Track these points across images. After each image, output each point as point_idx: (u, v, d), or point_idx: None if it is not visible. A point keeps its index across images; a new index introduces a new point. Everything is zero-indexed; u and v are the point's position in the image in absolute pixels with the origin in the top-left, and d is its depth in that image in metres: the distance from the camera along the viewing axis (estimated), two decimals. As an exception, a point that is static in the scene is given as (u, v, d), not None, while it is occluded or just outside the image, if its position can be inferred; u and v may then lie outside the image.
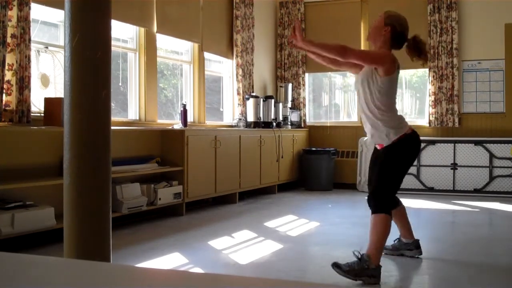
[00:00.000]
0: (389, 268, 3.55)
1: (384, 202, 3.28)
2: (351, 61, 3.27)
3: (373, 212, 3.27)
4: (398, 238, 3.77)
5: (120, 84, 5.70)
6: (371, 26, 3.43)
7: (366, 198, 3.41)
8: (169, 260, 3.67)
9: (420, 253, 3.69)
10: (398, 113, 3.41)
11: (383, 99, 3.26)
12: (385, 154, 3.33)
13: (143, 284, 0.72)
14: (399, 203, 3.69)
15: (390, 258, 3.68)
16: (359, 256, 3.17)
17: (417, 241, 3.71)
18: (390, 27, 3.32)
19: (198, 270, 3.44)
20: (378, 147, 3.41)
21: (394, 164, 3.33)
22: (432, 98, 7.60)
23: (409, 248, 3.71)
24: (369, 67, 3.28)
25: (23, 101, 4.18)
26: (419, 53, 3.41)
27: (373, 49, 3.50)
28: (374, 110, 3.29)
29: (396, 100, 3.43)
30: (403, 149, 3.31)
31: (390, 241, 3.81)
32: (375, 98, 3.26)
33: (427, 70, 7.71)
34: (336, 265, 3.20)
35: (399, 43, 3.37)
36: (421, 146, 3.48)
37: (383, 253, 3.73)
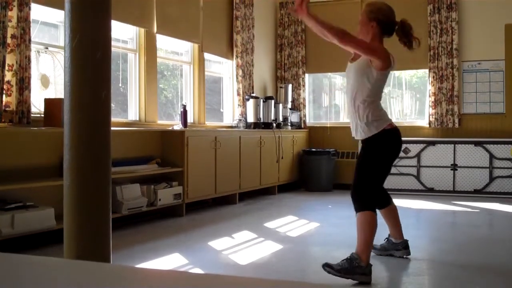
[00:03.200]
0: (388, 268, 3.55)
1: (367, 199, 3.26)
2: (348, 47, 3.23)
3: (357, 211, 3.27)
4: (387, 238, 3.78)
5: (120, 84, 5.70)
6: (358, 23, 3.41)
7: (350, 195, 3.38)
8: (169, 261, 3.67)
9: (408, 253, 3.68)
10: (383, 109, 3.40)
11: (371, 92, 3.27)
12: (364, 149, 3.36)
13: (143, 285, 0.72)
14: (390, 202, 3.70)
15: (389, 259, 3.68)
16: (349, 256, 3.18)
17: (406, 241, 3.70)
18: (375, 21, 3.31)
19: (198, 270, 3.44)
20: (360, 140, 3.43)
21: (374, 158, 3.31)
22: (432, 98, 7.60)
23: (397, 248, 3.71)
24: (366, 58, 3.26)
25: (23, 101, 4.18)
26: (406, 36, 3.35)
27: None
28: (359, 100, 3.29)
29: (382, 95, 3.41)
30: (382, 143, 3.30)
31: (380, 241, 3.83)
32: (364, 89, 3.26)
33: (427, 70, 7.71)
34: (327, 265, 3.21)
35: (389, 32, 3.36)
36: (401, 143, 3.43)
37: (372, 254, 3.75)
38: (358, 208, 3.27)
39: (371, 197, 3.29)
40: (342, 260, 3.20)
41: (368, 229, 3.21)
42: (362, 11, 3.40)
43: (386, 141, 3.32)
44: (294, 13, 3.26)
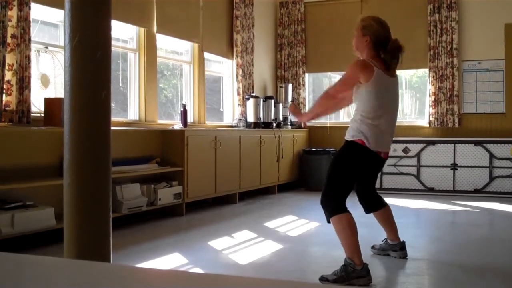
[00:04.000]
0: (387, 268, 3.55)
1: (337, 203, 3.23)
2: (342, 94, 3.40)
3: (329, 218, 3.25)
4: (385, 239, 3.78)
5: (120, 84, 5.70)
6: (353, 37, 3.41)
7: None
8: (169, 260, 3.67)
9: (405, 255, 3.68)
10: (382, 129, 3.27)
11: (363, 104, 3.25)
12: (339, 149, 3.37)
13: (143, 284, 0.72)
14: (382, 204, 3.69)
15: (388, 259, 3.69)
16: (344, 262, 3.18)
17: (403, 242, 3.70)
18: (368, 37, 3.32)
19: (198, 270, 3.44)
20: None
21: (342, 163, 3.30)
22: (432, 98, 7.60)
23: (394, 249, 3.71)
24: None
25: (23, 101, 4.18)
26: (392, 55, 3.31)
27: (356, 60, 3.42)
28: (358, 114, 3.29)
29: (384, 110, 3.29)
30: (351, 151, 3.27)
31: (378, 241, 3.84)
32: (361, 105, 3.28)
33: (427, 70, 7.71)
34: (322, 279, 3.19)
35: (383, 47, 3.32)
36: (375, 163, 3.36)
37: (371, 253, 3.75)
38: (329, 214, 3.24)
39: (340, 199, 3.24)
40: (341, 267, 3.19)
41: (345, 232, 3.18)
42: (356, 26, 3.38)
43: (354, 152, 3.27)
44: (298, 122, 3.54)
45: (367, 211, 3.73)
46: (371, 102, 3.23)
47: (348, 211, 3.24)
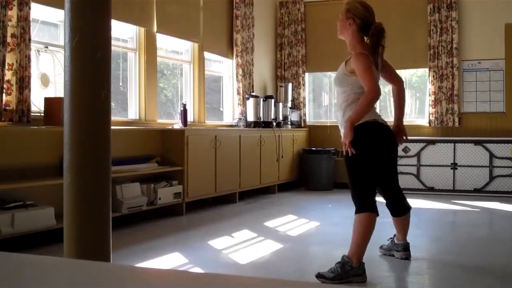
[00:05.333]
0: (388, 268, 3.55)
1: (363, 201, 3.21)
2: (382, 79, 3.35)
3: (355, 213, 3.24)
4: (391, 238, 3.77)
5: (120, 84, 5.70)
6: (337, 21, 3.41)
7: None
8: (169, 260, 3.67)
9: (408, 256, 3.64)
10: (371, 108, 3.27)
11: (351, 89, 3.26)
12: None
13: (143, 284, 0.72)
14: (406, 212, 3.57)
15: (389, 259, 3.69)
16: (341, 260, 3.19)
17: (407, 243, 3.67)
18: (351, 20, 3.30)
19: (198, 270, 3.44)
20: None
21: (357, 157, 3.19)
22: (432, 97, 7.60)
23: (398, 249, 3.70)
24: (341, 67, 3.33)
25: (23, 100, 4.18)
26: (376, 40, 3.25)
27: (348, 44, 3.39)
28: (347, 100, 3.28)
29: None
30: (361, 137, 3.17)
31: (385, 241, 3.83)
32: (351, 92, 3.26)
33: (427, 69, 7.71)
34: (320, 276, 3.20)
35: (365, 31, 3.30)
36: (388, 137, 3.30)
37: (373, 253, 3.73)
38: (357, 210, 3.25)
39: (368, 197, 3.22)
40: (336, 264, 3.20)
41: (362, 231, 3.18)
42: (342, 10, 3.37)
43: (365, 134, 3.20)
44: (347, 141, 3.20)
45: (394, 214, 3.57)
46: (357, 91, 3.24)
47: (375, 211, 3.21)
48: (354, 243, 3.20)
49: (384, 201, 3.59)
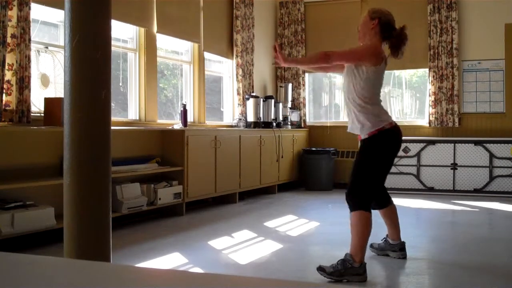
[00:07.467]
0: (388, 268, 3.55)
1: (362, 199, 3.24)
2: (337, 63, 3.30)
3: (351, 210, 3.26)
4: (385, 238, 3.78)
5: (120, 84, 5.70)
6: (358, 26, 3.45)
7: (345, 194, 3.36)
8: (169, 260, 3.67)
9: (404, 255, 3.67)
10: (383, 108, 3.37)
11: (365, 89, 3.25)
12: (362, 148, 3.34)
13: (143, 284, 0.72)
14: (390, 202, 3.68)
15: (389, 259, 3.69)
16: (343, 257, 3.19)
17: (403, 243, 3.69)
18: (377, 19, 3.34)
19: (198, 270, 3.44)
20: (359, 139, 3.42)
21: (371, 158, 3.28)
22: (432, 98, 7.61)
23: (394, 249, 3.70)
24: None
25: (23, 101, 4.18)
26: (399, 43, 3.33)
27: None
28: (355, 100, 3.28)
29: (381, 94, 3.39)
30: (380, 143, 3.27)
31: (378, 239, 3.83)
32: (358, 87, 3.26)
33: (427, 70, 7.72)
34: (320, 269, 3.22)
35: (388, 31, 3.34)
36: (401, 142, 3.43)
37: (372, 253, 3.75)
38: (352, 208, 3.26)
39: (366, 197, 3.26)
40: (338, 261, 3.21)
41: (362, 229, 3.20)
42: (364, 15, 3.44)
43: (384, 141, 3.29)
44: (277, 65, 3.42)
45: (377, 207, 3.67)
46: (371, 89, 3.27)
47: (369, 210, 3.25)
48: (356, 242, 3.20)
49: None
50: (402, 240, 3.72)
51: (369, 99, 3.27)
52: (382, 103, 3.40)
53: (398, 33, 3.34)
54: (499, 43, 7.35)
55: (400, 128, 3.41)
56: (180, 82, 6.73)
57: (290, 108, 8.13)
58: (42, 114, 4.35)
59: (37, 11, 4.53)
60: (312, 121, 8.63)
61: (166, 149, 5.52)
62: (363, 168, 3.29)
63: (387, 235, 3.77)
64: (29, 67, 4.22)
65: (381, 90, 3.42)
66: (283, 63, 3.28)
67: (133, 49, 5.78)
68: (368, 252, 3.70)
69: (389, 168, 3.40)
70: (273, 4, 8.63)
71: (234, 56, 7.36)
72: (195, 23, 6.62)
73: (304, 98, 8.45)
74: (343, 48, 3.40)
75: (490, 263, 3.62)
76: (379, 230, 3.90)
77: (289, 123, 7.99)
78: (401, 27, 3.36)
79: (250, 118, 7.11)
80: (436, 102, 7.57)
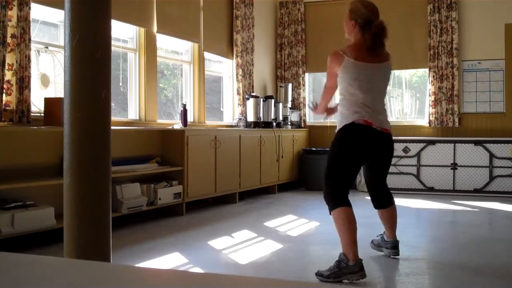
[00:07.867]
0: (387, 268, 3.55)
1: (336, 196, 3.25)
2: (333, 85, 3.47)
3: (330, 210, 3.27)
4: (381, 235, 3.78)
5: (120, 84, 5.70)
6: (344, 22, 3.50)
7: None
8: (169, 260, 3.67)
9: (396, 254, 3.67)
10: (364, 106, 3.28)
11: (341, 86, 3.35)
12: (332, 141, 3.39)
13: (143, 284, 0.72)
14: (391, 203, 3.66)
15: (389, 258, 3.69)
16: (338, 258, 3.20)
17: (397, 241, 3.69)
18: (354, 21, 3.39)
19: (198, 270, 3.44)
20: None
21: (335, 151, 3.32)
22: (432, 98, 7.61)
23: (386, 246, 3.71)
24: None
25: (23, 101, 4.19)
26: (375, 37, 3.28)
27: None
28: (339, 98, 3.43)
29: (360, 91, 3.29)
30: (343, 137, 3.30)
31: (374, 236, 3.85)
32: (339, 87, 3.40)
33: (427, 70, 7.72)
34: (318, 274, 3.23)
35: (367, 29, 3.34)
36: (371, 140, 3.31)
37: (372, 253, 3.74)
38: (330, 207, 3.27)
39: (339, 192, 3.26)
40: (334, 262, 3.21)
41: (345, 225, 3.19)
42: (347, 12, 3.48)
43: (346, 136, 3.30)
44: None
45: (377, 207, 3.67)
46: (344, 87, 3.33)
47: (348, 205, 3.24)
48: (345, 242, 3.21)
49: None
50: (399, 239, 3.72)
51: (344, 95, 3.34)
52: (374, 102, 3.35)
53: (372, 28, 3.30)
54: (499, 43, 7.35)
55: (379, 128, 3.31)
56: (180, 82, 6.73)
57: (290, 108, 8.13)
58: (42, 114, 4.35)
59: (37, 11, 4.53)
60: (312, 121, 8.63)
61: (166, 149, 5.52)
62: (330, 162, 3.33)
63: (384, 232, 3.77)
64: (29, 67, 4.22)
65: (376, 89, 3.37)
66: (317, 112, 3.73)
67: (133, 49, 5.78)
68: (368, 252, 3.70)
69: (358, 163, 3.35)
70: (273, 4, 8.63)
71: (234, 56, 7.36)
72: (195, 23, 6.62)
73: (304, 98, 8.46)
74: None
75: (490, 263, 3.62)
76: (379, 229, 3.90)
77: (289, 123, 7.99)
78: (378, 23, 3.30)
79: (250, 118, 7.11)
80: (436, 102, 7.57)
